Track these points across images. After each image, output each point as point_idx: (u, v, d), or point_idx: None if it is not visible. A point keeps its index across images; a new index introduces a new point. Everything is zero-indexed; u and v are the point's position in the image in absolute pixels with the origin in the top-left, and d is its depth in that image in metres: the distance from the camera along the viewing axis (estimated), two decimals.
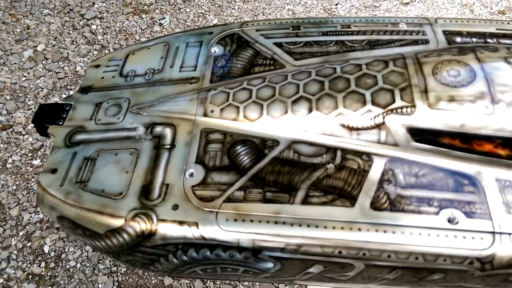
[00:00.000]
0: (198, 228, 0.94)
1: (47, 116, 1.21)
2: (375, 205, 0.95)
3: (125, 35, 3.01)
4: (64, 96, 2.66)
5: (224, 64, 1.22)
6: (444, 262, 0.90)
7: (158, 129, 1.11)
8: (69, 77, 2.75)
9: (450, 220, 0.92)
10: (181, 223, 0.96)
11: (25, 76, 2.72)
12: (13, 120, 2.51)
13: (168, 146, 1.07)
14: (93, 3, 3.16)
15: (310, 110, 1.06)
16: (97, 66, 1.30)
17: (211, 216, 0.96)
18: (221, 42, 1.29)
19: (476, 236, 0.90)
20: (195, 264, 1.02)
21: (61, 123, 1.17)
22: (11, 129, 2.47)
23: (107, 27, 3.05)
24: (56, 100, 2.63)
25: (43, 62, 2.80)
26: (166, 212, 0.98)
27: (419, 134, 1.00)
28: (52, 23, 3.01)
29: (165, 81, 1.21)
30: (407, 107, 1.01)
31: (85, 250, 2.08)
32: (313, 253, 0.93)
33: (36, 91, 2.65)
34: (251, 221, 0.94)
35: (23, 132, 2.46)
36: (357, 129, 1.02)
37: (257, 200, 0.97)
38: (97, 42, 2.95)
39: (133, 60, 1.30)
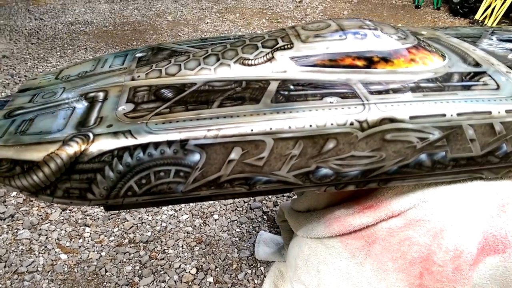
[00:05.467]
0: (131, 133, 1.10)
1: None
2: (275, 101, 1.20)
3: None
4: None
5: (147, 59, 1.52)
6: (332, 126, 1.15)
7: (91, 94, 1.32)
8: None
9: (330, 102, 1.20)
10: (115, 133, 1.11)
11: None
12: None
13: (101, 100, 1.27)
14: None
15: (218, 60, 1.36)
16: (34, 78, 1.53)
17: (142, 125, 1.13)
18: (143, 51, 1.61)
19: (351, 106, 1.19)
20: (130, 174, 1.12)
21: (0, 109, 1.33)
22: None
23: None
24: None
25: None
26: (101, 130, 1.12)
27: (299, 61, 1.33)
28: None
29: (97, 74, 1.47)
30: (287, 44, 1.37)
31: None
32: (231, 134, 1.12)
33: None
34: (177, 121, 1.13)
35: None
36: (255, 65, 1.34)
37: (181, 111, 1.18)
38: None
39: (67, 71, 1.55)
